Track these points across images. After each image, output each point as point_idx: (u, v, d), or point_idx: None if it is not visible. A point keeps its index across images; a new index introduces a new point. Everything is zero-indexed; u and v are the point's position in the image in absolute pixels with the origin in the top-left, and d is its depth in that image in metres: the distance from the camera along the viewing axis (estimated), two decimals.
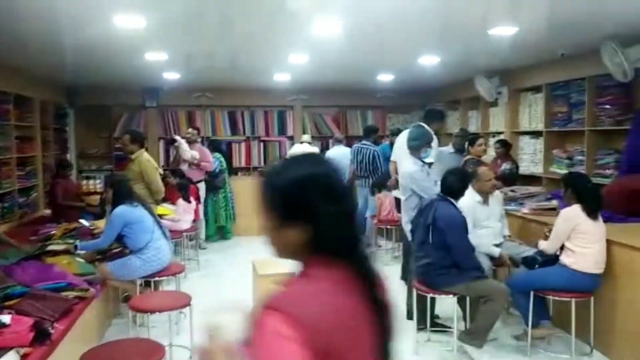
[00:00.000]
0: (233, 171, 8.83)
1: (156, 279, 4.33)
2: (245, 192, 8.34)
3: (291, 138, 9.60)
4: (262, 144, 9.70)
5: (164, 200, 6.36)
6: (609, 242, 3.77)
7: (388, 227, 6.91)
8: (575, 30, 4.81)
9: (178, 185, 6.77)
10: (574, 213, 3.77)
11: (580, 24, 4.59)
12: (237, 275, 5.98)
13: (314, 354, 0.93)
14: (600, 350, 3.91)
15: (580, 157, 6.11)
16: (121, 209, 4.23)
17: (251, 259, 4.24)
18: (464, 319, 4.11)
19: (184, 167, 7.32)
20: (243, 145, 9.62)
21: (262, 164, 9.53)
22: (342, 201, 1.08)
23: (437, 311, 4.47)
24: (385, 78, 8.21)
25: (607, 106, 5.68)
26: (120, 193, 4.39)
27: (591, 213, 3.72)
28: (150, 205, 4.78)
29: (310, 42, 5.27)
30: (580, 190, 3.84)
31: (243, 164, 9.55)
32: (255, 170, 9.45)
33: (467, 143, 6.26)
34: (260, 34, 5.08)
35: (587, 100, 5.93)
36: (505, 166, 6.64)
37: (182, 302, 3.61)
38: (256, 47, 5.77)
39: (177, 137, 7.49)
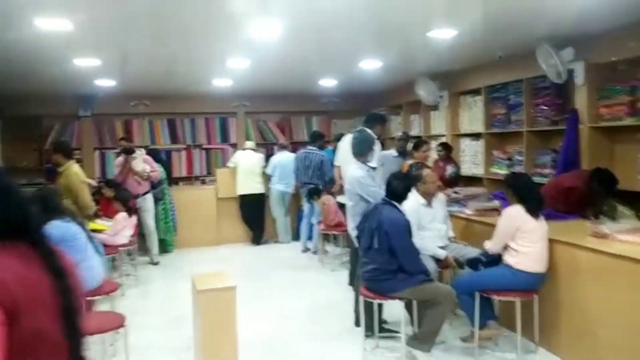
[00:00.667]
0: (173, 181, 8.54)
1: (87, 299, 4.04)
2: (186, 202, 8.10)
3: (234, 145, 9.38)
4: (204, 152, 9.44)
5: (97, 215, 6.07)
6: (550, 241, 3.82)
7: (335, 233, 6.84)
8: (512, 32, 4.91)
9: (116, 197, 6.44)
10: (516, 212, 3.80)
11: (517, 26, 4.68)
12: (177, 290, 5.75)
13: (5, 309, 1.18)
14: (545, 348, 3.95)
15: (519, 158, 6.26)
16: (55, 225, 3.92)
17: (192, 272, 4.05)
18: (412, 323, 4.06)
19: (132, 181, 7.03)
20: (184, 154, 9.32)
21: (205, 172, 9.26)
22: (6, 196, 1.35)
23: (384, 316, 4.41)
24: (329, 83, 8.18)
25: (544, 107, 5.84)
26: (48, 208, 4.07)
27: (533, 212, 3.76)
28: (82, 220, 4.49)
29: (251, 46, 5.14)
30: (522, 190, 3.88)
31: (184, 174, 9.24)
32: (197, 180, 9.17)
33: (411, 147, 6.28)
34: (197, 38, 4.91)
35: (524, 102, 6.08)
36: (451, 170, 6.74)
37: (115, 323, 3.37)
38: (194, 52, 5.58)
39: (140, 150, 7.27)
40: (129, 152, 7.14)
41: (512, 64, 6.06)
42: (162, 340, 4.47)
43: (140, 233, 6.97)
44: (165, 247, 7.80)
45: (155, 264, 7.22)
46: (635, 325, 3.25)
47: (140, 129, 9.06)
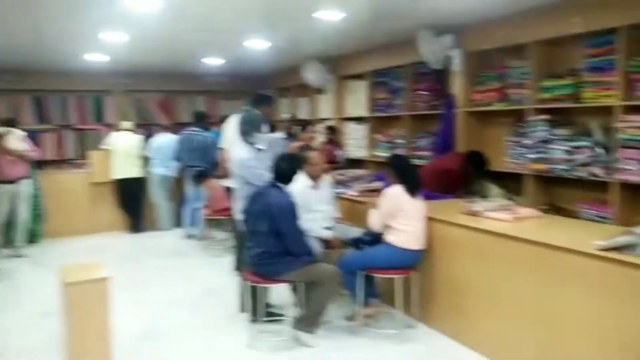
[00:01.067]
0: (40, 165, 7.77)
1: None
2: (56, 188, 7.42)
3: (111, 126, 8.71)
4: (76, 134, 8.69)
5: None
6: (428, 219, 3.98)
7: (220, 217, 6.63)
8: (396, 18, 5.01)
9: None
10: (396, 192, 3.90)
11: (400, 12, 4.79)
12: (44, 284, 5.22)
13: None
14: (425, 322, 4.12)
15: (400, 141, 6.49)
16: None
17: (63, 264, 3.68)
18: (298, 305, 4.04)
19: (7, 163, 6.29)
20: (53, 135, 8.52)
21: (77, 156, 8.52)
22: None
23: (270, 300, 4.35)
24: (215, 62, 7.88)
25: (423, 92, 6.08)
26: None
27: (412, 192, 3.89)
28: None
29: (127, 19, 4.77)
30: (401, 171, 3.99)
31: (54, 157, 8.43)
32: (68, 164, 8.41)
33: (298, 129, 6.25)
34: (66, 7, 4.42)
35: (406, 87, 6.30)
36: (339, 152, 6.83)
37: None
38: (63, 23, 5.04)
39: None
40: (8, 123, 6.43)
41: (395, 49, 6.23)
42: (26, 340, 4.04)
43: (2, 222, 6.29)
44: (32, 237, 7.09)
45: (21, 256, 6.54)
46: (503, 296, 3.48)
47: (1, 107, 8.11)
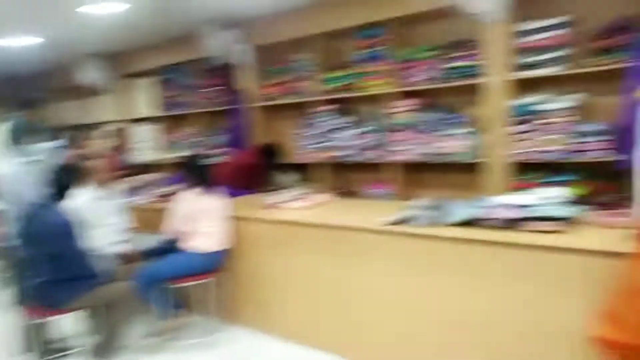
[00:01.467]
0: None
1: None
2: None
3: None
4: None
5: None
6: (231, 218, 3.88)
7: None
8: (182, 12, 4.80)
9: None
10: (191, 194, 3.74)
11: (186, 6, 4.59)
12: None
13: None
14: (235, 323, 4.03)
15: (195, 139, 6.29)
16: None
17: None
18: (93, 333, 3.61)
19: None
20: None
21: None
22: None
23: (59, 333, 3.82)
24: None
25: (215, 88, 5.96)
26: None
27: (207, 192, 3.76)
28: None
29: None
30: (196, 171, 3.85)
31: None
32: None
33: (78, 136, 5.63)
34: None
35: (196, 84, 6.11)
36: (125, 158, 6.34)
37: None
38: None
39: None
40: None
41: (183, 44, 5.96)
42: None
43: None
44: None
45: None
46: (307, 282, 3.57)
47: None
